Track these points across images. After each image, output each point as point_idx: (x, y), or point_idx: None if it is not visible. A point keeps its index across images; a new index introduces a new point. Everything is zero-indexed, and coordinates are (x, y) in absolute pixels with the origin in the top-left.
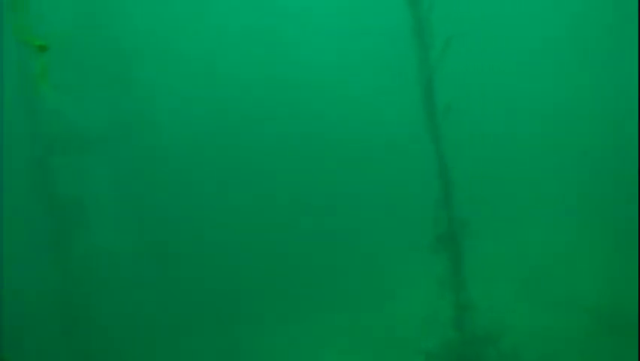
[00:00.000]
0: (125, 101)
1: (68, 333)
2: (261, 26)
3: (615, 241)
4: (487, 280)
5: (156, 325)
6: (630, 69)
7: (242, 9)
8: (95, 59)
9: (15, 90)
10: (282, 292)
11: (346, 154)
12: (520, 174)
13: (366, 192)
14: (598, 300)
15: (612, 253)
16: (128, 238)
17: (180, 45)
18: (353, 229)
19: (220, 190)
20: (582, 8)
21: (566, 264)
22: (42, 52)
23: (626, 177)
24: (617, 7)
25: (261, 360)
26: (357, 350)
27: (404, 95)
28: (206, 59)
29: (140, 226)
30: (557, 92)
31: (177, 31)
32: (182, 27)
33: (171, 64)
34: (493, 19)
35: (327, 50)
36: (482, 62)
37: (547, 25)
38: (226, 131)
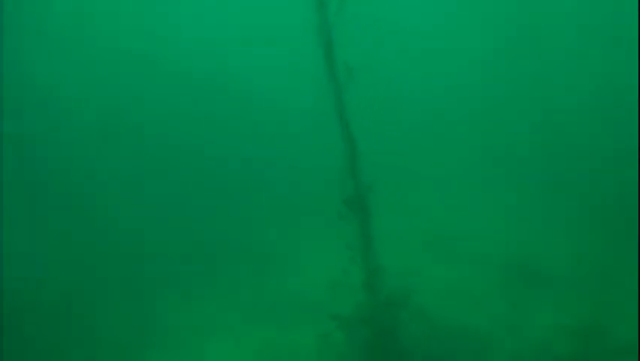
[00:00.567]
0: None
1: None
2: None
3: (519, 199)
4: (396, 243)
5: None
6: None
7: None
8: None
9: None
10: (192, 257)
11: (251, 122)
12: (426, 138)
13: (273, 160)
14: (506, 257)
15: (517, 212)
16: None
17: None
18: (261, 196)
19: (126, 160)
20: None
21: (473, 225)
22: None
23: (531, 140)
24: None
25: (171, 325)
26: (266, 316)
27: (309, 61)
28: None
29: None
30: (461, 57)
31: None
32: None
33: None
34: None
35: (230, 20)
36: (387, 26)
37: None
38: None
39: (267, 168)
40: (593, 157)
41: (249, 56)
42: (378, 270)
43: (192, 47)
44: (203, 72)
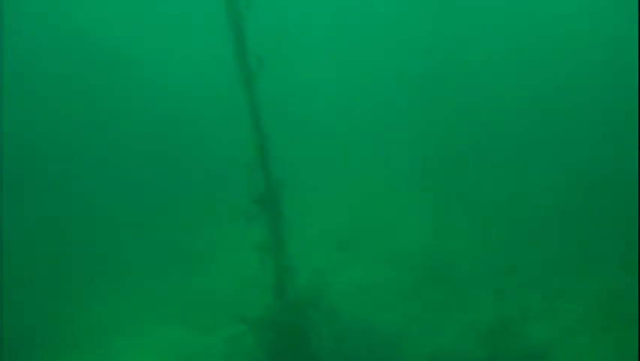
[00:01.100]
0: None
1: None
2: None
3: (434, 199)
4: (309, 243)
5: None
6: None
7: None
8: None
9: None
10: (105, 257)
11: (163, 115)
12: (341, 134)
13: (187, 154)
14: (421, 257)
15: (432, 212)
16: None
17: None
18: (176, 193)
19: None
20: None
21: (388, 224)
22: None
23: (446, 139)
24: None
25: (83, 325)
26: (175, 317)
27: (220, 52)
28: None
29: None
30: (377, 51)
31: None
32: None
33: None
34: None
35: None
36: (300, 18)
37: None
38: None
39: (181, 164)
40: (503, 159)
41: (153, 48)
42: (289, 270)
43: (95, 37)
44: (105, 62)
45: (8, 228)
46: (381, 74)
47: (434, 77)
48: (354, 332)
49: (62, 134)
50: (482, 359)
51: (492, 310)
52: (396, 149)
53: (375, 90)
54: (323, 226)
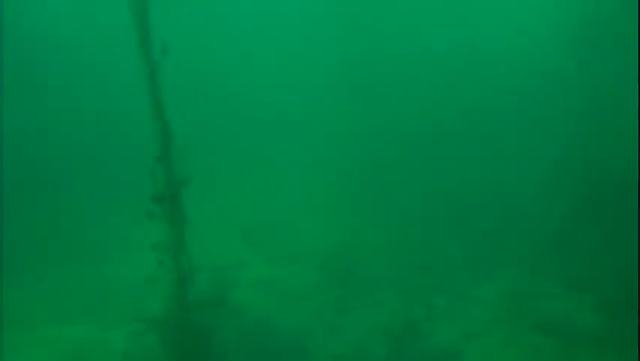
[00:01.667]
0: None
1: None
2: None
3: (340, 199)
4: (214, 240)
5: None
6: None
7: None
8: None
9: None
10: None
11: (70, 102)
12: (248, 130)
13: (92, 145)
14: (326, 256)
15: (338, 212)
16: None
17: None
18: (82, 186)
19: None
20: None
21: (294, 223)
22: None
23: (354, 138)
24: None
25: None
26: (73, 316)
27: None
28: None
29: None
30: (292, 47)
31: None
32: None
33: None
34: None
35: None
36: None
37: None
38: None
39: (87, 155)
40: (415, 160)
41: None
42: (192, 268)
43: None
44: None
45: None
46: (292, 70)
47: (347, 74)
48: (259, 332)
49: None
50: (386, 359)
51: (397, 310)
52: (306, 146)
53: (286, 85)
54: (229, 223)
